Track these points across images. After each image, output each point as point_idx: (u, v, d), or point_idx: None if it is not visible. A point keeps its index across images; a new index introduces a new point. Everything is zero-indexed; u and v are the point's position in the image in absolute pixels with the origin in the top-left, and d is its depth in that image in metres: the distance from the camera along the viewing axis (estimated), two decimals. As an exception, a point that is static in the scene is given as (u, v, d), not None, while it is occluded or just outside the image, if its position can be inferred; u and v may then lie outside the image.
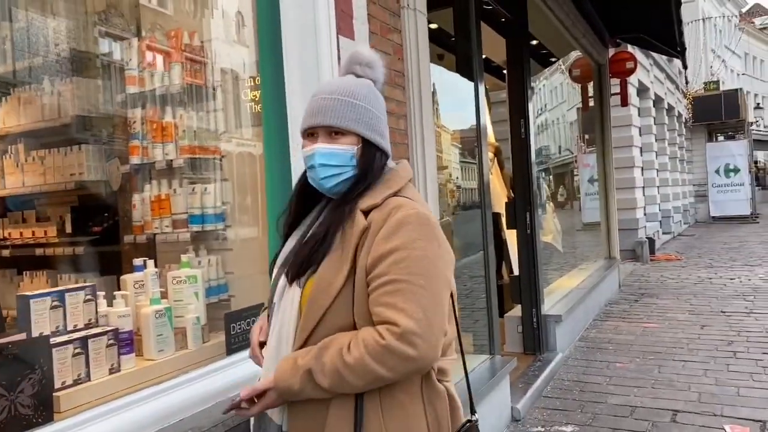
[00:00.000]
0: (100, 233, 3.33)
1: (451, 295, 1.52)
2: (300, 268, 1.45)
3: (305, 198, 1.59)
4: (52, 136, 3.37)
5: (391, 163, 1.57)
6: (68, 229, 3.42)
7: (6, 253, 3.53)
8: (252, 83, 3.00)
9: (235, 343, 2.41)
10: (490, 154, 7.62)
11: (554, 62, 8.65)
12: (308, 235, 1.52)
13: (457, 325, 1.57)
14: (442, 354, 1.46)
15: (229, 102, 3.09)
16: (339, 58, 2.83)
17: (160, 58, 2.92)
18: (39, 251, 3.42)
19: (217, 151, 3.00)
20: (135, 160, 2.98)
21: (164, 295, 2.47)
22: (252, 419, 1.57)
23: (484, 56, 7.08)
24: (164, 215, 2.90)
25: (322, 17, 2.71)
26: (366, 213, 1.45)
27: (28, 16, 3.50)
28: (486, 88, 8.05)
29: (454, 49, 5.28)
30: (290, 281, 1.48)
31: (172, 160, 2.86)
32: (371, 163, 1.50)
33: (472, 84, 4.86)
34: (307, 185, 1.55)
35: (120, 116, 3.09)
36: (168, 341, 2.30)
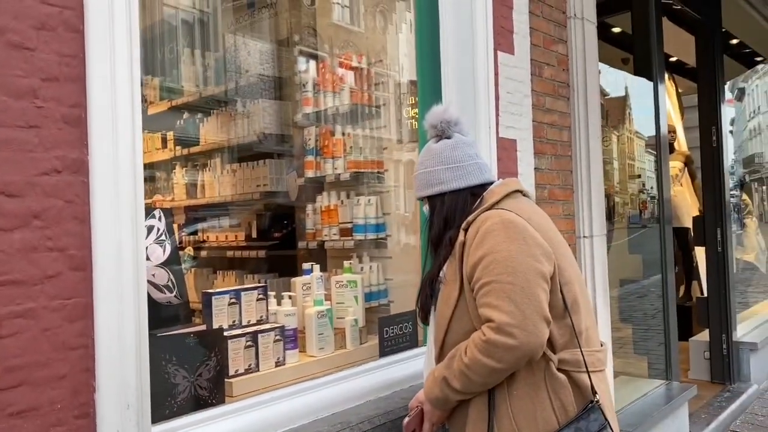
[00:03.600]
0: (280, 239, 3.70)
1: (561, 289, 1.67)
2: (425, 308, 1.85)
3: None
4: (243, 152, 3.82)
5: (496, 182, 1.87)
6: (254, 234, 3.84)
7: (204, 254, 4.05)
8: (413, 100, 3.15)
9: (388, 347, 2.55)
10: (679, 164, 7.08)
11: (761, 62, 7.80)
12: (424, 274, 1.92)
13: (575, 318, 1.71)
14: (564, 347, 1.67)
15: (394, 118, 3.28)
16: (496, 75, 2.87)
17: (331, 81, 3.19)
18: (230, 253, 3.88)
19: (381, 165, 3.19)
20: (309, 173, 3.27)
21: (328, 297, 2.70)
22: None
23: (675, 58, 6.63)
24: (332, 224, 3.15)
25: (479, 34, 2.77)
26: (466, 230, 1.71)
27: (236, 41, 3.99)
28: (678, 92, 7.49)
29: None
30: (422, 320, 1.90)
31: (339, 174, 3.11)
32: (439, 208, 1.84)
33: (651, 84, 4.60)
34: None
35: (297, 134, 3.41)
36: (328, 340, 2.51)
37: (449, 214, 1.81)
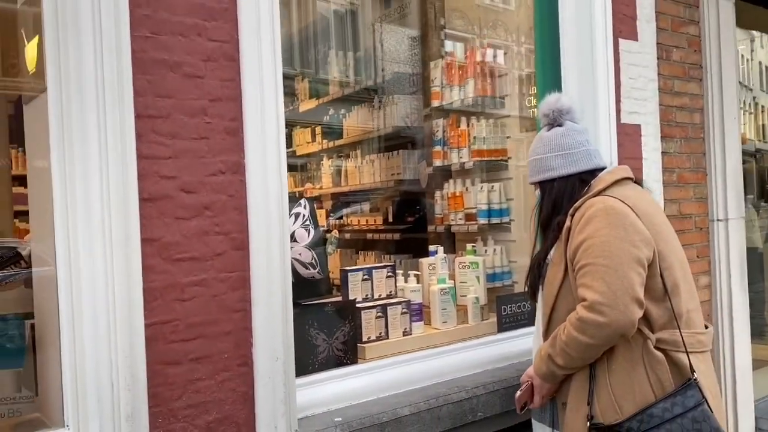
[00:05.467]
0: (413, 223, 4.01)
1: (662, 273, 1.77)
2: (533, 287, 2.02)
3: None
4: (380, 143, 4.17)
5: (606, 170, 1.96)
6: (390, 218, 4.19)
7: (347, 236, 4.48)
8: (533, 90, 3.28)
9: (506, 323, 2.76)
10: None
11: None
12: (533, 255, 2.07)
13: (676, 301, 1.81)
14: (663, 327, 1.77)
15: (517, 107, 3.44)
16: (617, 62, 2.93)
17: (458, 75, 3.42)
18: (369, 236, 4.27)
19: (504, 153, 3.37)
20: (437, 162, 3.54)
21: (453, 276, 2.95)
22: None
23: None
24: (458, 209, 3.39)
25: (598, 22, 2.84)
26: (572, 216, 1.84)
27: (382, 33, 4.30)
28: None
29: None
30: (530, 297, 2.07)
31: (464, 163, 3.34)
32: (549, 193, 1.98)
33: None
34: None
35: (427, 125, 3.69)
36: (450, 315, 2.77)
37: (558, 199, 1.95)
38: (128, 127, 1.64)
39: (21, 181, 5.37)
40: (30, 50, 1.85)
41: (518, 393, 1.99)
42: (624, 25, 2.99)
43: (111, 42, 1.60)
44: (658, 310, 1.78)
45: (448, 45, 3.85)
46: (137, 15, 1.67)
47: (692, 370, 1.76)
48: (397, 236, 4.04)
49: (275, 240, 1.88)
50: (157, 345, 1.70)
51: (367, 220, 4.38)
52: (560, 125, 1.99)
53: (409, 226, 4.01)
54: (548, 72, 2.98)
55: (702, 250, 3.35)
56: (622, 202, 1.80)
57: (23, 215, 5.37)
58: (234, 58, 1.84)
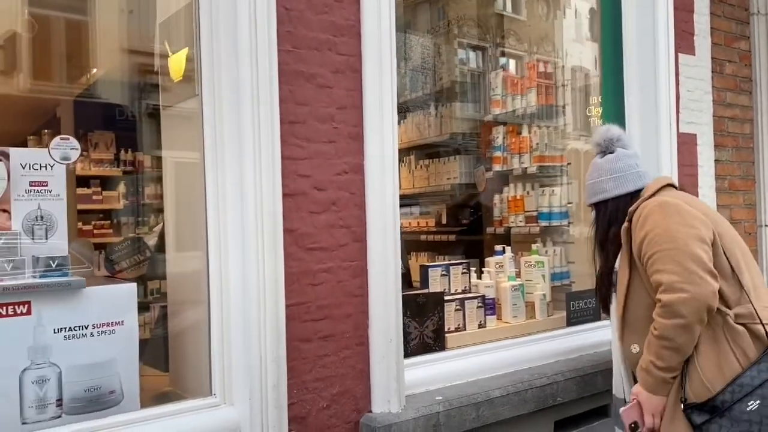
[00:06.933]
0: (468, 225, 4.20)
1: (725, 254, 1.90)
2: (605, 299, 2.16)
3: None
4: (434, 148, 4.37)
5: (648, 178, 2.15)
6: (443, 221, 4.38)
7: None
8: (596, 100, 3.48)
9: (574, 317, 2.95)
10: None
11: None
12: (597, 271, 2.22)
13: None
14: (737, 303, 1.89)
15: (576, 115, 3.64)
16: (677, 75, 3.13)
17: (519, 85, 3.62)
18: (422, 237, 4.47)
19: (564, 159, 3.57)
20: (497, 167, 3.73)
21: (518, 275, 3.15)
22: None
23: None
24: (518, 212, 3.59)
25: (661, 38, 3.04)
26: (630, 219, 2.01)
27: (422, 53, 4.55)
28: None
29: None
30: (603, 310, 2.22)
31: (526, 168, 3.53)
32: (603, 212, 2.16)
33: None
34: None
35: (485, 132, 3.89)
36: (520, 310, 2.96)
37: (612, 216, 2.13)
38: (276, 130, 1.86)
39: (82, 182, 5.60)
40: (175, 61, 2.07)
41: (622, 409, 2.00)
42: (682, 40, 3.18)
43: (264, 56, 1.82)
44: (729, 287, 1.91)
45: (504, 59, 4.07)
46: (281, 32, 1.89)
47: None
48: (452, 238, 4.23)
49: (389, 234, 2.09)
50: (294, 324, 1.91)
51: (418, 223, 4.58)
52: (612, 152, 2.19)
53: (464, 228, 4.21)
54: (611, 83, 3.18)
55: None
56: (672, 198, 1.98)
57: (83, 214, 5.59)
58: (357, 70, 2.05)
